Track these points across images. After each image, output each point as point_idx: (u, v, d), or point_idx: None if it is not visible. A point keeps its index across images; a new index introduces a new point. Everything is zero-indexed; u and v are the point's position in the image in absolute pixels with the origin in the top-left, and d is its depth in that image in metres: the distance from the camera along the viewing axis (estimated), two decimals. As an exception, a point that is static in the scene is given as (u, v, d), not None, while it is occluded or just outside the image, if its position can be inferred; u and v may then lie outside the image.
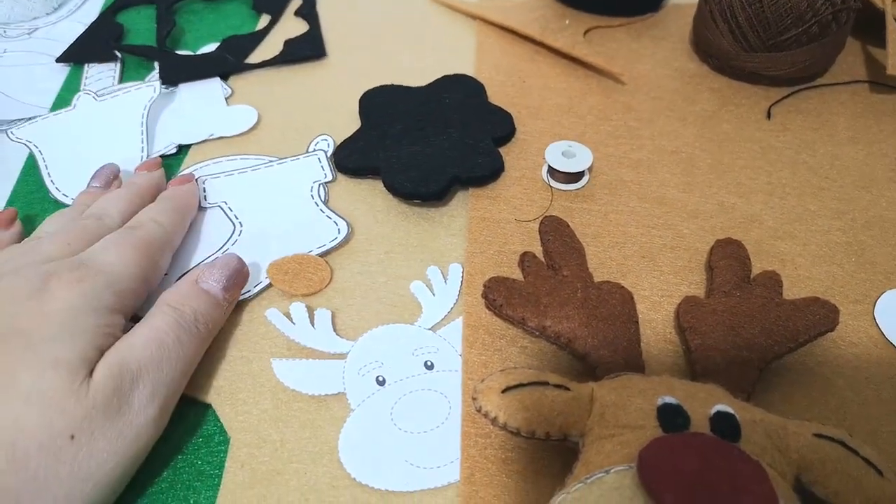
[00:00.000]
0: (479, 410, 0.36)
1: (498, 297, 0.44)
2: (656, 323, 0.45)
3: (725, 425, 0.33)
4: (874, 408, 0.41)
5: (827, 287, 0.47)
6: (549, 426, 0.36)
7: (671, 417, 0.34)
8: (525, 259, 0.47)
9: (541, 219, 0.50)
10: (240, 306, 0.45)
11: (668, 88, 0.64)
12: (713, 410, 0.34)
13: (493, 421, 0.36)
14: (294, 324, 0.44)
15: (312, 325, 0.44)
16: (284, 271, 0.47)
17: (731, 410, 0.34)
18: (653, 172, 0.55)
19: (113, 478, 0.34)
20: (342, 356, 0.42)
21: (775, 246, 0.50)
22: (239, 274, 0.44)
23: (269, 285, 0.46)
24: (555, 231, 0.48)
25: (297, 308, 0.44)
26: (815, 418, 0.39)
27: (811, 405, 0.41)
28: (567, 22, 0.69)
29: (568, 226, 0.49)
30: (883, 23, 0.63)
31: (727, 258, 0.46)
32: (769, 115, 0.61)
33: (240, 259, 0.44)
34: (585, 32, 0.69)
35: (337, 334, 0.44)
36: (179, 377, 0.38)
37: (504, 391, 0.37)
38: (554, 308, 0.42)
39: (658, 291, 0.47)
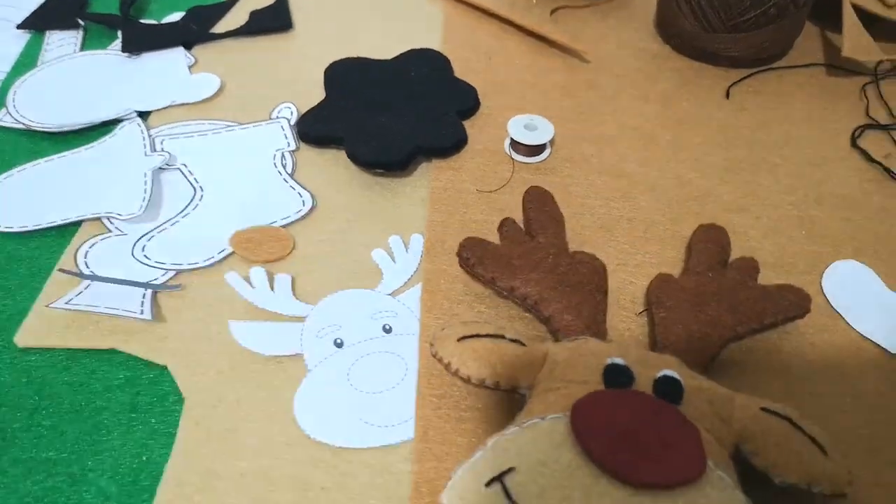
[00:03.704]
0: (434, 355, 0.37)
1: (472, 255, 0.44)
2: (611, 291, 0.45)
3: (668, 388, 0.34)
4: (819, 375, 0.42)
5: (777, 258, 0.49)
6: (498, 376, 0.36)
7: (615, 376, 0.35)
8: (505, 224, 0.47)
9: (527, 188, 0.50)
10: (199, 272, 0.45)
11: (631, 67, 0.65)
12: (659, 374, 0.35)
13: (447, 367, 0.37)
14: (253, 287, 0.44)
15: (272, 288, 0.44)
16: (247, 239, 0.47)
17: (676, 376, 0.35)
18: (613, 147, 0.56)
19: None
20: (300, 319, 0.43)
21: (729, 219, 0.51)
22: None
23: (232, 253, 0.46)
24: (537, 200, 0.49)
25: (257, 272, 0.44)
26: (760, 381, 0.41)
27: (758, 368, 0.42)
28: (535, 1, 0.70)
29: (552, 197, 0.49)
30: (839, 6, 0.64)
31: (706, 242, 0.47)
32: (728, 95, 0.62)
33: None
34: (552, 12, 0.69)
35: (296, 298, 0.44)
36: None
37: (460, 339, 0.38)
38: (524, 270, 0.43)
39: (613, 260, 0.48)
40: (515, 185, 0.53)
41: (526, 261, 0.44)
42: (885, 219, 0.52)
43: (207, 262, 0.46)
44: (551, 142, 0.55)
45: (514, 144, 0.54)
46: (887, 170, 0.55)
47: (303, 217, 0.49)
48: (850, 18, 0.62)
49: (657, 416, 0.32)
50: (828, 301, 0.46)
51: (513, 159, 0.54)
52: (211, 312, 0.43)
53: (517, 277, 0.43)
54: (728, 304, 0.42)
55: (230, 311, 0.43)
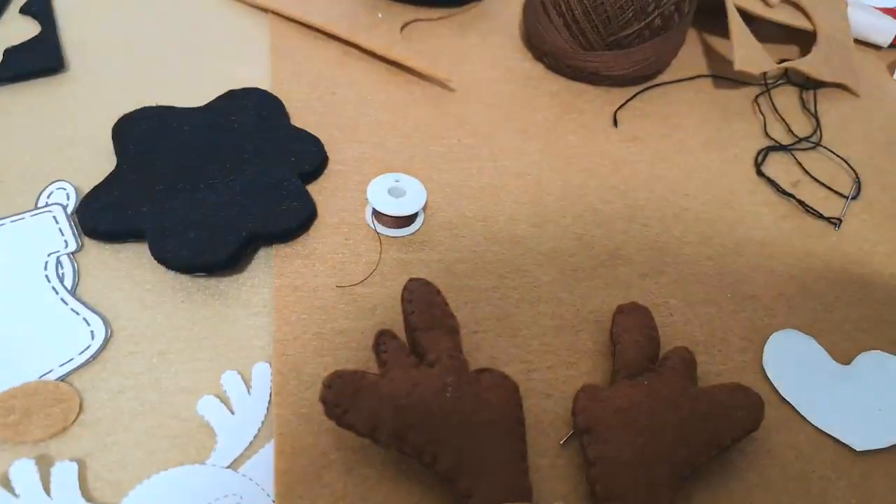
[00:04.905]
0: None
1: (341, 400, 0.31)
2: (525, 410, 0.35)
3: None
4: (782, 492, 0.34)
5: (707, 334, 0.41)
6: None
7: None
8: (381, 342, 0.35)
9: (406, 283, 0.37)
10: (-73, 476, 0.30)
11: (503, 94, 0.54)
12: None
13: None
14: (17, 496, 0.29)
15: (48, 492, 0.30)
16: (8, 411, 0.32)
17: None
18: (499, 203, 0.46)
19: None
20: (96, 538, 0.29)
21: (645, 287, 0.43)
22: None
23: (-19, 433, 0.31)
24: (421, 300, 0.37)
25: (22, 469, 0.30)
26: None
27: (712, 497, 0.34)
28: (380, 15, 0.57)
29: (438, 292, 0.37)
30: (718, 10, 0.58)
31: (631, 331, 0.37)
32: (615, 122, 0.54)
33: None
34: (402, 27, 0.58)
35: (88, 501, 0.30)
36: None
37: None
38: (415, 414, 0.31)
39: (521, 366, 0.38)
40: (386, 270, 0.41)
41: (416, 398, 0.32)
42: (811, 265, 0.45)
43: (-58, 458, 0.30)
44: (424, 206, 0.44)
45: (378, 214, 0.43)
46: (801, 202, 0.49)
47: (93, 357, 0.35)
48: (737, 28, 0.56)
49: None
50: (774, 388, 0.39)
51: (378, 234, 0.43)
52: (-54, 555, 0.28)
53: (407, 427, 0.31)
54: (676, 430, 0.33)
55: (-20, 543, 0.29)
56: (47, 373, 0.34)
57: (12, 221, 0.40)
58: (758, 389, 0.37)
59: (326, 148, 0.46)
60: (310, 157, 0.45)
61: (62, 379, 0.34)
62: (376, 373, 0.33)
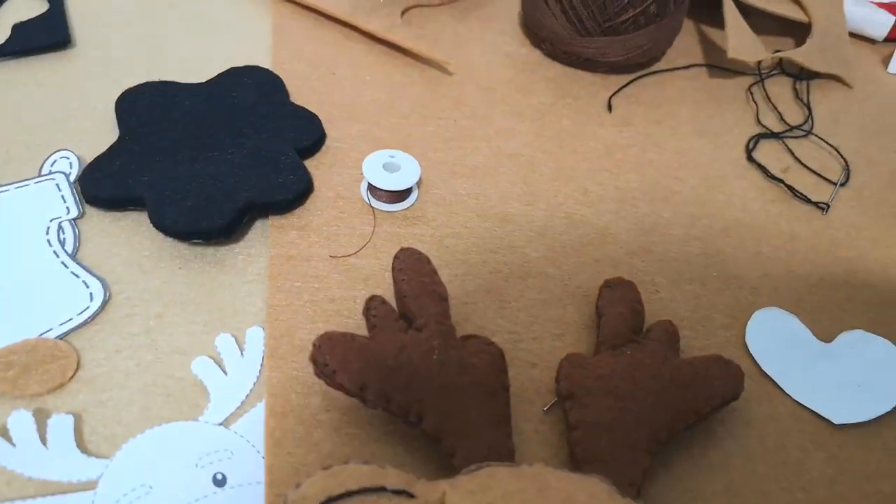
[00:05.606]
0: None
1: (331, 360, 0.32)
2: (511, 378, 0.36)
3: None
4: (760, 462, 0.35)
5: (691, 310, 0.42)
6: None
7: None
8: (371, 306, 0.36)
9: (397, 252, 0.39)
10: (-71, 424, 0.31)
11: (500, 78, 0.55)
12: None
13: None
14: (14, 445, 0.31)
15: (45, 443, 0.31)
16: (7, 365, 0.33)
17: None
18: (491, 182, 0.47)
19: None
20: (90, 485, 0.30)
21: (632, 264, 0.43)
22: None
23: (-18, 386, 0.33)
24: (411, 269, 0.38)
25: (20, 420, 0.31)
26: (699, 482, 0.34)
27: (692, 465, 0.35)
28: (382, 0, 0.58)
29: (429, 261, 0.39)
30: (718, 1, 0.59)
31: (616, 304, 0.38)
32: (610, 108, 0.55)
33: None
34: (403, 12, 0.59)
35: (83, 452, 0.31)
36: None
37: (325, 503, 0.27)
38: (402, 375, 0.32)
39: (507, 336, 0.39)
40: (379, 243, 0.42)
41: (404, 360, 0.33)
42: (796, 248, 0.46)
43: (-56, 408, 0.32)
44: (418, 182, 0.45)
45: (373, 189, 0.44)
46: (790, 187, 0.49)
47: (91, 318, 0.36)
48: (731, 16, 0.57)
49: None
50: (755, 362, 0.39)
51: (373, 208, 0.44)
52: (-54, 497, 0.29)
53: (394, 386, 0.32)
54: (655, 397, 0.34)
55: (-21, 487, 0.30)
56: (47, 331, 0.35)
57: (17, 188, 0.41)
58: (739, 364, 0.37)
59: (325, 126, 0.47)
60: (308, 133, 0.46)
61: (61, 337, 0.35)
62: (366, 336, 0.34)
